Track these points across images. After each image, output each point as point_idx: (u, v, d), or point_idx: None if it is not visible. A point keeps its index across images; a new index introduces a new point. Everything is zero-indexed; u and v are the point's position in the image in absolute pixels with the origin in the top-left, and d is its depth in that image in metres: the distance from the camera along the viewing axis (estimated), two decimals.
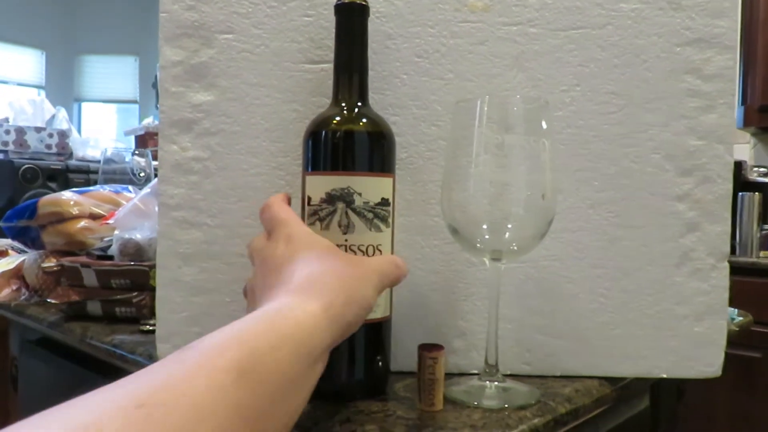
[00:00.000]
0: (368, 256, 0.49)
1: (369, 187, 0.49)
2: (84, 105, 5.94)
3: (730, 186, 0.59)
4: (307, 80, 0.58)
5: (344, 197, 0.49)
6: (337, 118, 0.51)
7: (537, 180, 0.50)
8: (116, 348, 0.69)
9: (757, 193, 2.20)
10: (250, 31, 0.58)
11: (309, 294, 0.39)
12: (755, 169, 2.34)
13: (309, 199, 0.50)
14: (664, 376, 0.60)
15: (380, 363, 0.53)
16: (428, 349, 0.49)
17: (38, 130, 2.28)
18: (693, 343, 0.59)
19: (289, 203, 0.50)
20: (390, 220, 0.51)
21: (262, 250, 0.46)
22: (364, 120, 0.52)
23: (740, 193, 2.20)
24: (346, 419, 0.47)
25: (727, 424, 2.04)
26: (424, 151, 0.59)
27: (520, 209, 0.51)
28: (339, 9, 0.51)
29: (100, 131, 5.40)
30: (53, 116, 2.46)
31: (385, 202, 0.50)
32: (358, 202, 0.49)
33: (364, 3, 0.51)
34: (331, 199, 0.49)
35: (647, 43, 0.58)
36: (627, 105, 0.58)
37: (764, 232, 2.21)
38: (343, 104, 0.52)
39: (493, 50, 0.58)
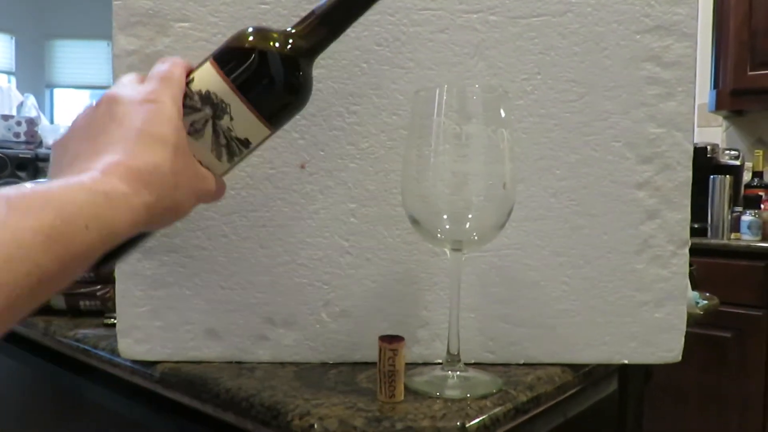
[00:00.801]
0: None
1: (244, 122, 0.45)
2: (56, 91, 5.82)
3: (689, 173, 0.59)
4: None
5: (217, 109, 0.44)
6: (275, 37, 0.46)
7: (497, 169, 0.50)
8: (79, 342, 0.68)
9: (728, 175, 2.23)
10: (207, 19, 0.57)
11: (143, 184, 0.37)
12: (726, 152, 2.37)
13: (192, 79, 0.45)
14: (626, 362, 0.61)
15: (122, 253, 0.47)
16: (388, 341, 0.49)
17: (6, 118, 2.24)
18: (653, 329, 0.60)
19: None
20: (236, 159, 0.46)
21: (112, 98, 0.42)
22: (292, 64, 0.46)
23: (711, 176, 2.23)
24: (306, 412, 0.47)
25: (698, 404, 2.09)
26: (386, 141, 0.58)
27: (480, 199, 0.51)
28: None
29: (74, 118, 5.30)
30: (21, 103, 2.41)
31: (245, 143, 0.46)
32: (225, 123, 0.44)
33: None
34: (206, 99, 0.44)
35: (607, 30, 0.58)
36: (587, 93, 0.58)
37: (735, 214, 2.24)
38: (294, 31, 0.47)
39: (453, 38, 0.58)
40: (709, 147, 2.29)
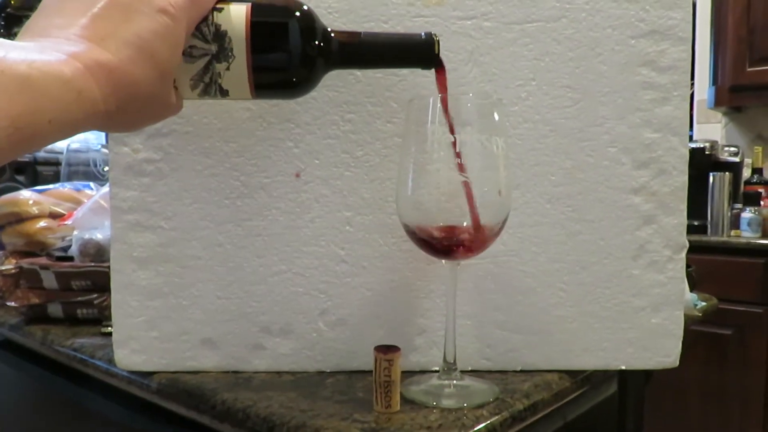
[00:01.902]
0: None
1: (236, 77, 0.44)
2: None
3: (685, 178, 0.59)
4: None
5: (222, 51, 0.42)
6: (314, 26, 0.45)
7: (491, 177, 0.50)
8: (76, 352, 0.68)
9: (727, 172, 2.23)
10: None
11: (113, 95, 0.35)
12: (726, 148, 2.37)
13: (221, 9, 0.43)
14: (623, 367, 0.61)
15: None
16: (383, 351, 0.49)
17: None
18: (650, 335, 0.60)
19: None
20: (202, 98, 0.45)
21: None
22: (311, 58, 0.46)
23: (711, 173, 2.22)
24: (302, 424, 0.47)
25: (699, 401, 2.09)
26: (380, 149, 0.58)
27: (476, 207, 0.51)
28: None
29: None
30: None
31: (224, 93, 0.44)
32: (220, 69, 0.43)
33: None
34: (219, 37, 0.42)
35: (602, 35, 0.58)
36: (582, 98, 0.58)
37: (735, 211, 2.24)
38: (333, 34, 0.47)
39: (447, 45, 0.57)
40: (708, 144, 2.29)
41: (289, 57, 0.45)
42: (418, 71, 0.57)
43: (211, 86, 0.44)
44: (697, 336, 2.06)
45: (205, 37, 0.42)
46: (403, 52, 0.50)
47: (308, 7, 0.46)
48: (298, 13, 0.45)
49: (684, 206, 0.60)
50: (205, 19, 0.42)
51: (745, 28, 2.30)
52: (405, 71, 0.57)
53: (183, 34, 0.40)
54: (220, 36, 0.42)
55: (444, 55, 0.57)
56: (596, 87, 0.58)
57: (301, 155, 0.58)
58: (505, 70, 0.58)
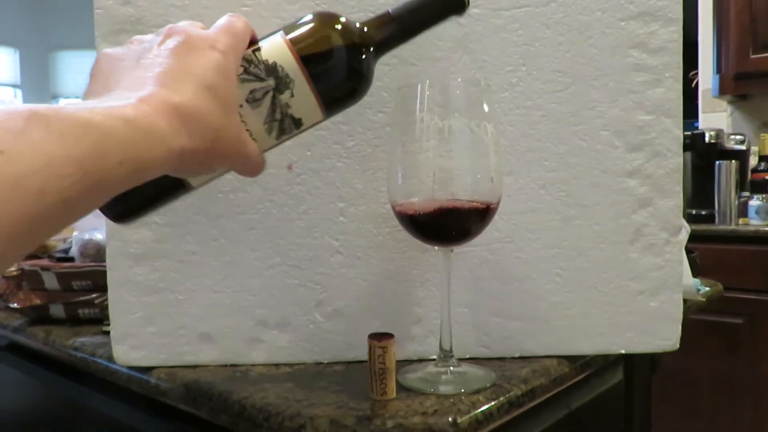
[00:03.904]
0: None
1: (304, 102, 0.45)
2: (62, 102, 5.86)
3: (680, 160, 0.59)
4: None
5: (280, 83, 0.44)
6: (348, 25, 0.46)
7: (483, 163, 0.50)
8: (77, 351, 0.68)
9: (734, 161, 2.21)
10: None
11: (185, 127, 0.36)
12: (732, 137, 2.35)
13: (257, 48, 0.44)
14: (623, 351, 0.60)
15: (147, 204, 0.46)
16: (378, 338, 0.49)
17: None
18: (649, 318, 0.60)
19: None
20: (284, 138, 0.46)
21: (176, 31, 0.40)
22: (359, 54, 0.47)
23: (717, 162, 2.21)
24: (297, 413, 0.47)
25: (711, 391, 2.07)
26: (372, 139, 0.58)
27: (467, 193, 0.50)
28: None
29: None
30: None
31: (298, 123, 0.46)
32: (285, 98, 0.44)
33: None
34: (272, 70, 0.44)
35: (591, 19, 0.57)
36: (574, 83, 0.58)
37: (742, 199, 2.22)
38: (366, 26, 0.48)
39: (436, 33, 0.57)
40: (713, 133, 2.27)
41: (340, 62, 0.46)
42: (408, 60, 0.57)
43: (284, 121, 0.45)
44: (707, 326, 2.04)
45: (260, 77, 0.44)
46: (434, 8, 0.50)
47: (327, 12, 0.47)
48: (325, 22, 0.46)
49: (680, 188, 0.59)
50: (251, 63, 0.44)
51: (748, 16, 2.28)
52: (394, 60, 0.57)
53: (233, 67, 0.41)
54: (272, 68, 0.44)
55: (433, 43, 0.57)
56: (587, 71, 0.58)
57: (293, 147, 0.58)
58: (495, 57, 0.58)
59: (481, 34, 0.57)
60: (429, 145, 0.49)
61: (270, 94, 0.44)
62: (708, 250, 1.99)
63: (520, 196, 0.58)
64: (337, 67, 0.46)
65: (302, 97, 0.44)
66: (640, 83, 0.58)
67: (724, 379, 2.05)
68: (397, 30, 0.49)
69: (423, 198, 0.50)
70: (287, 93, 0.44)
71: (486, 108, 0.50)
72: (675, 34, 0.58)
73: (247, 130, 0.44)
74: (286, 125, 0.45)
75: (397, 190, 0.51)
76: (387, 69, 0.57)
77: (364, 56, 0.47)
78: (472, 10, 0.57)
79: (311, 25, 0.46)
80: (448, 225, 0.51)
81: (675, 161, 0.59)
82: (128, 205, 0.44)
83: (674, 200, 0.59)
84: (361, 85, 0.48)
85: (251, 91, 0.43)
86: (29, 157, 0.27)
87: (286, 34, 0.45)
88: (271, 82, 0.44)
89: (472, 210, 0.50)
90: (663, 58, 0.58)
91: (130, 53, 0.40)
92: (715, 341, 2.05)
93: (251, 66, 0.43)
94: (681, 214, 0.59)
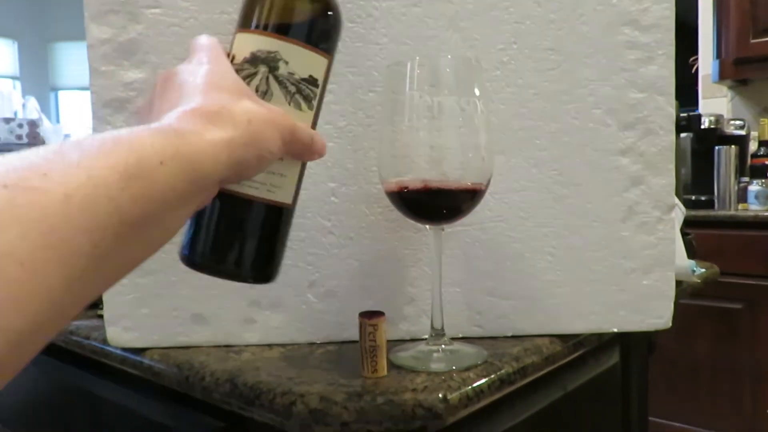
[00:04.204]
0: None
1: (299, 59, 0.45)
2: (61, 93, 5.85)
3: (672, 137, 0.59)
4: None
5: (268, 61, 0.44)
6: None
7: (473, 141, 0.50)
8: (71, 334, 0.68)
9: (733, 146, 2.20)
10: (178, 4, 0.57)
11: (213, 122, 0.36)
12: (731, 122, 2.34)
13: (233, 57, 0.45)
14: (615, 330, 0.60)
15: (270, 250, 0.47)
16: (368, 316, 0.49)
17: (7, 120, 2.25)
18: (642, 297, 0.60)
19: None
20: (314, 102, 0.46)
21: (168, 70, 0.42)
22: None
23: (716, 147, 2.20)
24: (288, 390, 0.47)
25: (710, 376, 2.07)
26: (363, 118, 0.58)
27: (458, 171, 0.50)
28: None
29: (80, 119, 5.33)
30: (23, 106, 2.42)
31: (312, 81, 0.46)
32: (283, 70, 0.44)
33: None
34: (254, 60, 0.44)
35: None
36: (565, 60, 0.58)
37: (742, 184, 2.21)
38: None
39: (427, 11, 0.57)
40: (713, 118, 2.26)
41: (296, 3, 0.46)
42: (398, 38, 0.57)
43: (300, 87, 0.45)
44: (706, 311, 2.05)
45: (251, 72, 0.44)
46: None
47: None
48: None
49: (672, 166, 0.59)
50: (237, 70, 0.43)
51: (748, 1, 2.27)
52: (384, 39, 0.57)
53: (223, 64, 0.42)
54: (254, 58, 0.44)
55: (423, 22, 0.57)
56: (579, 48, 0.58)
57: None
58: (486, 35, 0.57)
59: (472, 13, 0.57)
60: (419, 123, 0.49)
61: (270, 77, 0.44)
62: (707, 235, 1.99)
63: (512, 175, 0.58)
64: (298, 9, 0.46)
65: (296, 57, 0.44)
66: (632, 61, 0.58)
67: (723, 364, 2.05)
68: None
69: (413, 176, 0.50)
70: (281, 64, 0.44)
71: (476, 85, 0.50)
72: (667, 11, 0.57)
73: None
74: (304, 90, 0.45)
75: (387, 169, 0.51)
76: (377, 48, 0.57)
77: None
78: None
79: (249, 1, 0.46)
80: (438, 203, 0.51)
81: (667, 139, 0.58)
82: (253, 258, 0.46)
83: (667, 178, 0.59)
84: (332, 10, 0.47)
85: (256, 88, 0.44)
86: (73, 176, 0.27)
87: (240, 25, 0.46)
88: (262, 68, 0.44)
89: (463, 188, 0.50)
90: (655, 35, 0.57)
91: (139, 112, 0.43)
92: (715, 327, 2.06)
93: (239, 72, 0.44)
94: (673, 192, 0.59)
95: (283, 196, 0.46)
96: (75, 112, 5.68)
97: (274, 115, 0.41)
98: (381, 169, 0.52)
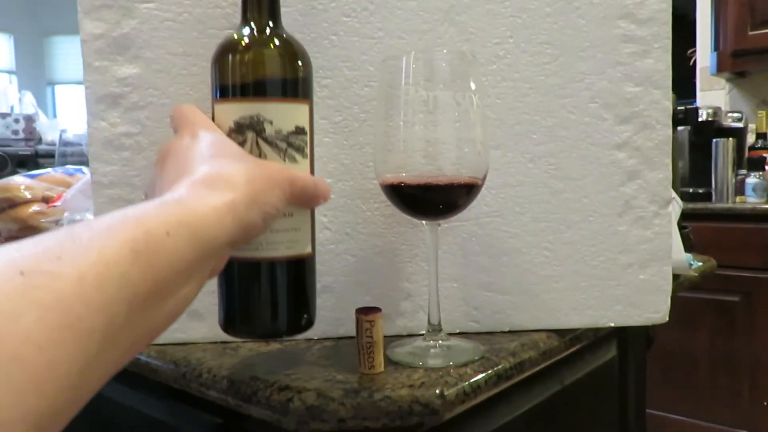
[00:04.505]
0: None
1: (281, 115, 0.46)
2: (57, 88, 5.83)
3: (669, 131, 0.58)
4: None
5: (254, 126, 0.45)
6: (245, 40, 0.47)
7: (468, 136, 0.50)
8: None
9: (731, 138, 2.20)
10: None
11: (213, 188, 0.37)
12: (729, 114, 2.34)
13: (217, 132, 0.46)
14: (612, 325, 0.60)
15: (301, 302, 0.49)
16: (365, 312, 0.49)
17: (3, 116, 2.24)
18: (638, 291, 0.60)
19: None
20: (307, 150, 0.47)
21: (163, 147, 0.43)
22: (275, 41, 0.48)
23: (714, 140, 2.20)
24: (285, 386, 0.47)
25: (708, 369, 2.08)
26: (359, 113, 0.57)
27: (454, 166, 0.50)
28: None
29: (77, 114, 5.31)
30: (19, 101, 2.41)
31: (300, 131, 0.46)
32: (269, 131, 0.45)
33: None
34: (239, 128, 0.45)
35: None
36: (561, 54, 0.57)
37: (739, 177, 2.21)
38: (252, 24, 0.48)
39: (422, 5, 0.57)
40: (711, 110, 2.26)
41: (261, 61, 0.48)
42: (393, 33, 0.57)
43: (290, 141, 0.46)
44: (704, 304, 2.05)
45: (238, 141, 0.45)
46: None
47: (218, 50, 0.48)
48: (222, 56, 0.47)
49: (669, 161, 0.59)
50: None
51: None
52: (380, 33, 0.57)
53: (210, 133, 0.43)
54: (239, 127, 0.45)
55: (419, 15, 0.57)
56: (575, 42, 0.57)
57: None
58: (482, 29, 0.57)
59: (467, 6, 0.57)
60: (415, 118, 0.49)
61: (259, 141, 0.45)
62: (705, 228, 1.99)
63: (509, 169, 0.58)
64: (266, 66, 0.47)
65: (277, 114, 0.45)
66: (628, 54, 0.57)
67: (721, 356, 2.06)
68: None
69: (409, 171, 0.50)
70: (266, 125, 0.45)
71: (471, 79, 0.50)
72: (664, 4, 0.57)
73: None
74: (294, 143, 0.46)
75: (383, 164, 0.51)
76: (373, 42, 0.57)
77: (270, 39, 0.48)
78: None
79: (220, 71, 0.47)
80: (434, 198, 0.51)
81: (664, 133, 0.58)
82: (287, 314, 0.48)
83: (663, 172, 0.59)
84: (299, 55, 0.48)
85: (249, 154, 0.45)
86: (85, 257, 0.27)
87: (215, 98, 0.47)
88: (249, 134, 0.45)
89: (459, 183, 0.50)
90: (652, 29, 0.57)
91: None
92: (712, 319, 2.06)
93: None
94: (670, 187, 0.59)
95: (302, 248, 0.48)
96: (72, 107, 5.66)
97: (270, 171, 0.42)
98: (377, 164, 0.52)
